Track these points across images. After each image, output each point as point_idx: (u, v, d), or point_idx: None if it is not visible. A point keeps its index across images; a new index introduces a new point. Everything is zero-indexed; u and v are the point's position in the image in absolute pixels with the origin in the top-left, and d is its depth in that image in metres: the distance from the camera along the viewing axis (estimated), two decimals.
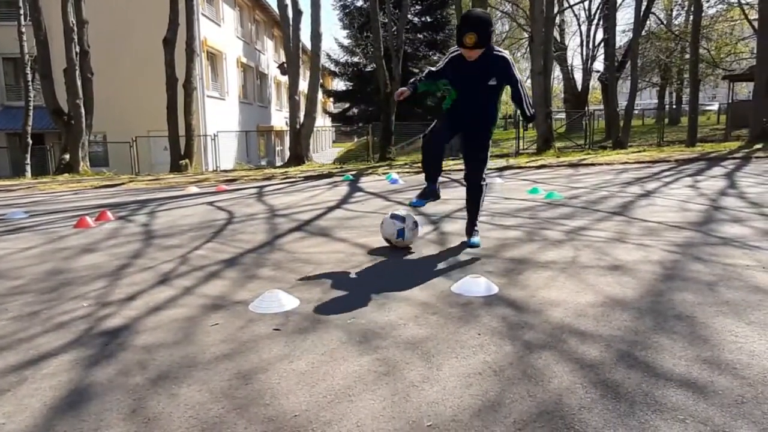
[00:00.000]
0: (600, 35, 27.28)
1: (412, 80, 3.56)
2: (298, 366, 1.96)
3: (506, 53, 3.37)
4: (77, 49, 14.23)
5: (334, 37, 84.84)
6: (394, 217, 3.61)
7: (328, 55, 29.64)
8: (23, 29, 16.52)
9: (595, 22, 27.86)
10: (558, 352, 1.99)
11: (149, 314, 2.55)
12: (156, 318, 2.50)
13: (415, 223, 3.60)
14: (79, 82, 14.24)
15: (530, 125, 3.39)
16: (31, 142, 17.05)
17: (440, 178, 3.63)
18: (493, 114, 3.54)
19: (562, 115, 27.67)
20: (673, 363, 1.87)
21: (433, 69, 3.54)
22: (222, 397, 1.76)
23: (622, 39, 25.89)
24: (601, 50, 27.02)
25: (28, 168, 16.65)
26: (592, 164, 10.46)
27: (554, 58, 21.63)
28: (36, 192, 9.40)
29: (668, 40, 23.91)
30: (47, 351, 2.16)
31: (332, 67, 30.49)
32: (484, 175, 3.63)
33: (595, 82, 30.29)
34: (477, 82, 3.36)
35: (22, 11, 16.58)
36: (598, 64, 29.03)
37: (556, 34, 24.22)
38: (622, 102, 20.26)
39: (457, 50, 3.32)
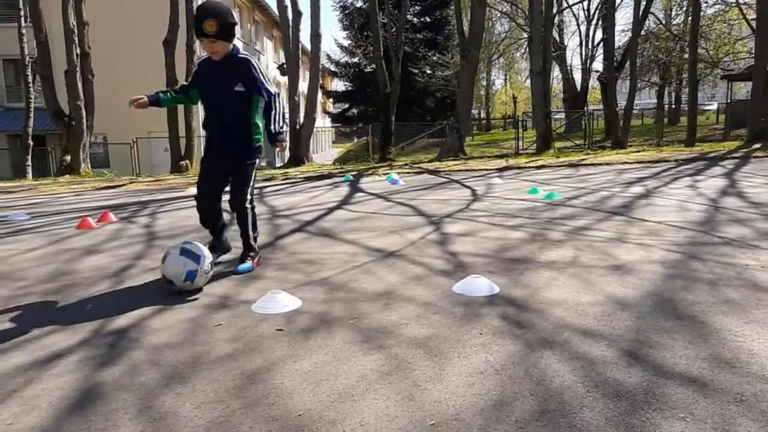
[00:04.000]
0: (599, 35, 27.32)
1: (158, 90, 3.22)
2: (302, 366, 1.98)
3: (249, 55, 3.13)
4: (78, 51, 14.22)
5: (334, 38, 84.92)
6: (185, 253, 2.82)
7: (328, 56, 29.70)
8: (23, 31, 16.49)
9: (594, 22, 27.91)
10: (559, 352, 2.01)
11: (154, 315, 2.57)
12: (161, 318, 2.52)
13: (212, 265, 2.94)
14: (79, 84, 14.23)
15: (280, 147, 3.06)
16: (32, 143, 17.03)
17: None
18: (248, 125, 3.17)
19: (562, 115, 27.69)
20: (673, 362, 1.89)
21: (185, 83, 3.36)
22: (227, 397, 1.78)
23: (621, 39, 25.95)
24: (601, 50, 27.05)
25: (29, 170, 16.63)
26: (592, 164, 10.47)
27: (553, 58, 21.66)
28: (37, 194, 9.41)
29: (667, 39, 23.93)
30: (53, 352, 2.18)
31: (332, 68, 30.54)
32: (248, 197, 3.21)
33: (594, 82, 30.30)
34: (223, 88, 3.07)
35: (22, 12, 16.58)
36: (598, 64, 29.08)
37: (555, 34, 24.23)
38: (622, 102, 20.29)
39: (205, 56, 3.10)
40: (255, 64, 3.11)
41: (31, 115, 16.85)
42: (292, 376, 1.90)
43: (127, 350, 2.17)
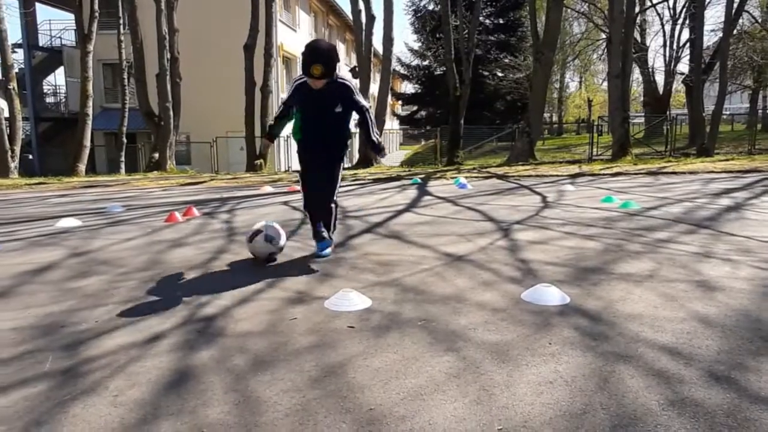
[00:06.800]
0: (685, 35, 25.67)
1: (269, 125, 3.80)
2: (373, 363, 2.07)
3: (348, 80, 3.51)
4: (168, 56, 15.29)
5: (404, 41, 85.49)
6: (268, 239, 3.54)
7: (398, 59, 29.93)
8: (122, 37, 17.97)
9: (680, 21, 26.23)
10: (633, 367, 1.97)
11: (237, 305, 2.76)
12: (243, 309, 2.70)
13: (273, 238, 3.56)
14: (168, 86, 15.29)
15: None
16: (125, 141, 18.49)
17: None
18: (344, 138, 3.69)
19: (641, 120, 26.28)
20: (759, 386, 1.80)
21: (284, 100, 3.62)
22: (303, 387, 1.90)
23: (709, 39, 24.28)
24: (687, 51, 25.40)
25: (123, 165, 18.07)
26: (674, 173, 9.91)
27: (634, 60, 20.62)
28: (130, 188, 10.23)
29: (763, 39, 22.09)
30: (150, 334, 2.41)
31: (402, 70, 30.76)
32: (335, 198, 3.77)
33: (678, 85, 28.46)
34: (325, 111, 3.49)
35: (121, 21, 18.07)
36: (683, 66, 27.34)
37: (636, 34, 23.05)
38: (709, 106, 18.98)
39: (303, 78, 3.41)
40: (353, 88, 3.51)
41: (126, 115, 18.28)
42: (364, 372, 1.99)
43: (214, 336, 2.36)
